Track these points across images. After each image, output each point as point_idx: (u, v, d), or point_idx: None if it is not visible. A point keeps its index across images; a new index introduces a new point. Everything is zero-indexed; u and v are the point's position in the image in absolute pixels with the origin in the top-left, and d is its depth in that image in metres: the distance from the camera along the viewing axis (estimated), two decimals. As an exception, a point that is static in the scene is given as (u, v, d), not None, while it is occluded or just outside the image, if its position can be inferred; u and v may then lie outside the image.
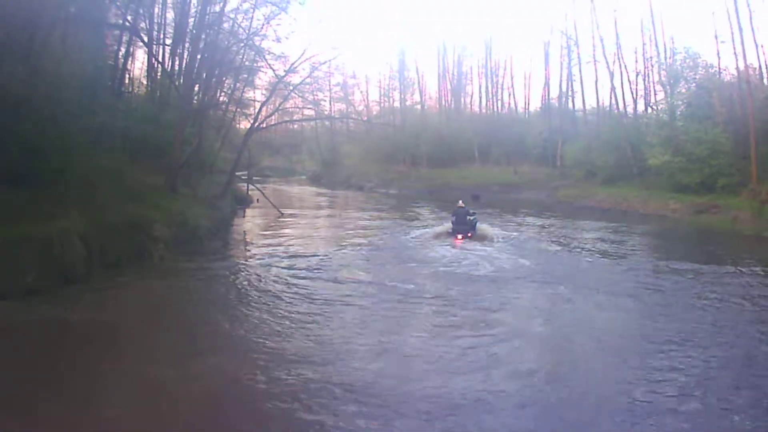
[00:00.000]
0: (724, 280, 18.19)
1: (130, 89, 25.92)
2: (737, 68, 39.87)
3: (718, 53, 42.34)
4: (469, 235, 24.89)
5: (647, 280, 18.26)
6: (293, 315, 13.58)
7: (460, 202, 26.98)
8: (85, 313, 12.77)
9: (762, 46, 38.29)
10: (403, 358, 11.01)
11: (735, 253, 23.16)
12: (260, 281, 16.94)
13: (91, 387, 9.10)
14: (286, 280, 17.07)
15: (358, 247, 23.41)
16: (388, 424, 8.43)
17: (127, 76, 24.16)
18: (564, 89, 63.27)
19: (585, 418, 8.71)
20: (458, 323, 13.24)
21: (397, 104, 77.62)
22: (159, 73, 26.83)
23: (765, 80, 38.26)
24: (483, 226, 27.15)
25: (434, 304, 14.85)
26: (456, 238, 24.61)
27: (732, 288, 17.03)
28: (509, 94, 71.78)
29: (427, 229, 28.20)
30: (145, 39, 24.65)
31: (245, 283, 16.91)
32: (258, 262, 19.95)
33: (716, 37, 41.49)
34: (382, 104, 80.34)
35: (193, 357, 10.57)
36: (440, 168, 61.43)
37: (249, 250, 22.78)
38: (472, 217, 26.06)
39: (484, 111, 72.35)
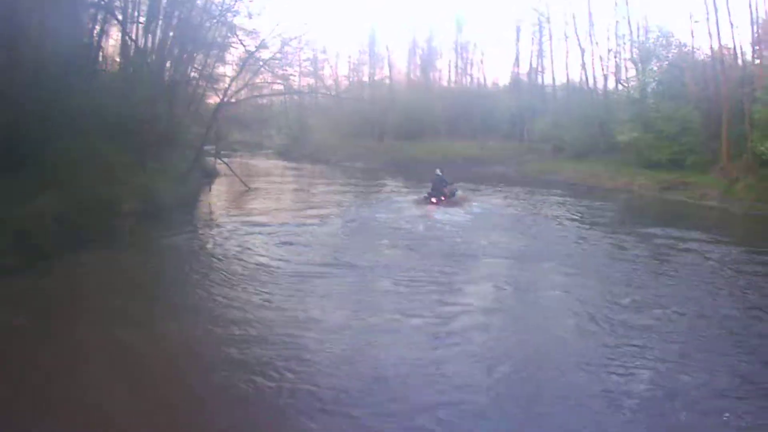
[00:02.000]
0: (693, 250, 18.98)
1: (104, 67, 25.85)
2: (711, 48, 40.00)
3: (692, 33, 42.52)
4: (443, 198, 26.14)
5: (614, 251, 19.00)
6: (256, 286, 14.12)
7: (438, 170, 27.99)
8: (60, 287, 13.28)
9: (737, 27, 38.57)
10: (361, 334, 11.37)
11: (704, 227, 23.59)
12: (226, 254, 17.43)
13: (67, 348, 10.01)
14: (251, 253, 17.50)
15: (324, 220, 23.79)
16: (334, 392, 8.99)
17: (101, 53, 24.06)
18: (534, 65, 63.34)
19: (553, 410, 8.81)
20: (424, 300, 13.48)
21: (366, 79, 77.41)
22: (132, 51, 26.73)
23: (739, 60, 38.50)
24: (458, 194, 28.34)
25: (403, 279, 15.06)
26: (431, 202, 25.93)
27: (698, 257, 17.90)
28: (479, 69, 71.75)
29: (397, 199, 28.96)
30: (120, 17, 24.52)
31: (211, 256, 17.45)
32: (224, 236, 20.31)
33: (691, 16, 41.65)
34: (351, 79, 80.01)
35: (158, 322, 11.59)
36: (407, 142, 61.30)
37: (216, 225, 22.93)
38: (451, 186, 27.49)
39: (453, 86, 72.33)
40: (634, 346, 10.82)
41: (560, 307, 13.22)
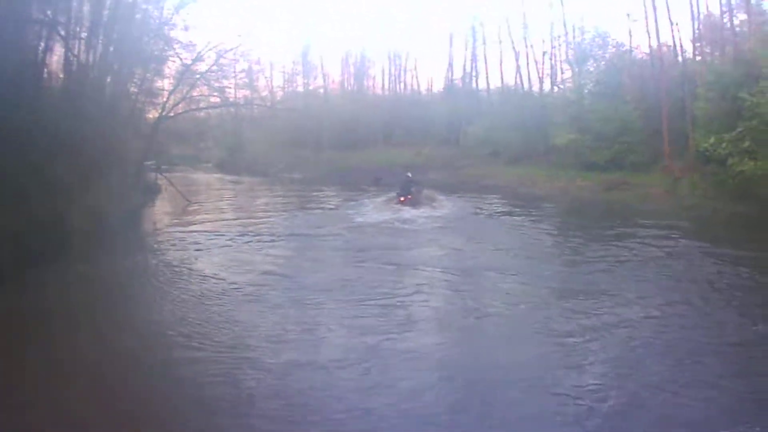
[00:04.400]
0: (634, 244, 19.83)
1: (49, 83, 25.53)
2: (650, 46, 41.08)
3: (629, 32, 43.92)
4: (409, 197, 29.54)
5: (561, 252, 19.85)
6: (195, 300, 14.58)
7: (408, 173, 32.37)
8: (12, 305, 13.35)
9: (676, 24, 39.53)
10: (292, 343, 11.81)
11: (652, 226, 24.06)
12: (171, 271, 17.69)
13: (21, 358, 10.40)
14: (195, 270, 17.73)
15: (265, 233, 24.17)
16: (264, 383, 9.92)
17: (45, 70, 23.76)
18: (468, 69, 63.92)
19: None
20: (371, 313, 13.60)
21: (300, 89, 77.43)
22: (75, 67, 26.52)
23: (678, 58, 39.61)
24: (426, 192, 31.40)
25: (351, 295, 15.13)
26: (399, 200, 29.38)
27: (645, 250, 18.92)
28: (412, 76, 72.31)
29: (345, 210, 29.93)
30: (63, 33, 24.29)
31: (157, 273, 17.72)
32: (169, 252, 20.68)
33: (628, 15, 42.79)
34: (285, 89, 79.88)
35: (111, 338, 11.74)
36: (344, 151, 61.45)
37: (161, 241, 23.17)
38: (418, 187, 31.28)
39: (387, 93, 72.64)
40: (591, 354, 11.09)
41: (518, 321, 13.32)
